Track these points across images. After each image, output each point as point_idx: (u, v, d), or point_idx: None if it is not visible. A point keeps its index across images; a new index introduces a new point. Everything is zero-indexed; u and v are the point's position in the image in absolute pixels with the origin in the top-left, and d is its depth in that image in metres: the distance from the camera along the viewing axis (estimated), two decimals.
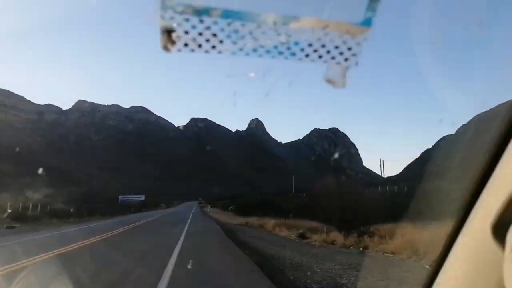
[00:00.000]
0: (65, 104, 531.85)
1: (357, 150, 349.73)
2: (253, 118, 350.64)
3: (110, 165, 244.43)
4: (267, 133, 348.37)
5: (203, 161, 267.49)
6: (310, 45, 0.84)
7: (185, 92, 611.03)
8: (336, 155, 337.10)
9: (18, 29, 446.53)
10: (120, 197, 79.33)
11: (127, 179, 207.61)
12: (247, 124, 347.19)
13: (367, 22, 0.82)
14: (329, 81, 0.87)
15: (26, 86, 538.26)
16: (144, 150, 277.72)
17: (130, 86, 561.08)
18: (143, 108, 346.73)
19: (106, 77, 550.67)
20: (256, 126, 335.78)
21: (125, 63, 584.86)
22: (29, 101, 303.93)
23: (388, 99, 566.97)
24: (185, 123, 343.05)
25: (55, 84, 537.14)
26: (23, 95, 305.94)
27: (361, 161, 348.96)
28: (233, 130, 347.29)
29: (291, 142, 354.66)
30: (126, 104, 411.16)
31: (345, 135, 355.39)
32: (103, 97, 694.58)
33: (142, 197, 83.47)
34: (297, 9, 0.79)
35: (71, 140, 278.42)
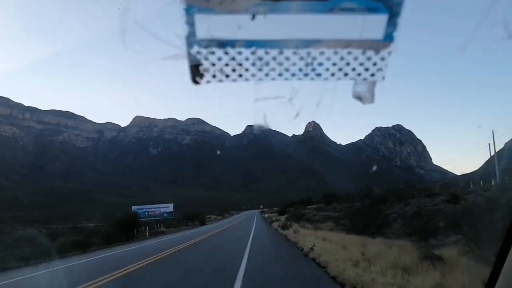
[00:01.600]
0: (123, 121, 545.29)
1: (424, 146, 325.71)
2: (310, 121, 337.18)
3: (167, 177, 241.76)
4: (326, 136, 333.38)
5: (262, 168, 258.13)
6: (334, 64, 0.82)
7: (238, 101, 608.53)
8: (403, 154, 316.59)
9: (74, 50, 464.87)
10: (134, 208, 54.10)
11: (184, 190, 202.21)
12: (303, 127, 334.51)
13: (388, 37, 0.82)
14: (358, 97, 0.86)
15: (86, 106, 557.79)
16: (201, 161, 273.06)
17: (185, 99, 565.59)
18: (199, 119, 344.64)
19: (161, 92, 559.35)
20: (313, 129, 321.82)
21: (178, 77, 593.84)
22: (89, 120, 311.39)
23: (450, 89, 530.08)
24: (240, 132, 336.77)
25: (113, 103, 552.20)
26: (84, 115, 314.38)
27: (430, 158, 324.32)
28: (290, 135, 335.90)
29: (352, 143, 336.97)
30: (182, 117, 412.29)
31: (410, 131, 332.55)
32: (159, 112, 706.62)
33: (169, 208, 59.64)
34: (317, 32, 0.78)
35: (129, 156, 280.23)
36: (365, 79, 0.85)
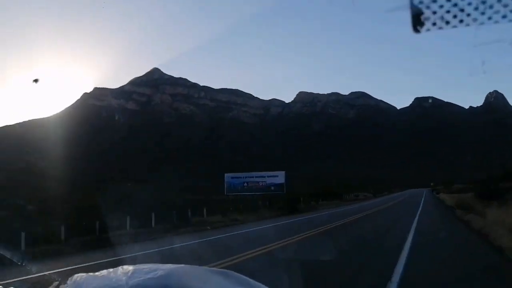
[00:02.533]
0: (288, 97, 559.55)
1: None
2: (491, 91, 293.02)
3: (327, 152, 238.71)
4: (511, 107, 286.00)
5: (432, 144, 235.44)
6: None
7: (407, 72, 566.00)
8: None
9: (241, 28, 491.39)
10: (227, 176, 42.67)
11: (355, 166, 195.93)
12: (483, 98, 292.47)
13: None
14: None
15: (253, 84, 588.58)
16: (364, 136, 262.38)
17: (348, 72, 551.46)
18: (363, 93, 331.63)
19: (324, 67, 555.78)
20: (496, 99, 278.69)
21: (341, 50, 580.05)
22: (256, 97, 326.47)
23: None
24: (407, 104, 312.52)
25: (278, 80, 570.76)
26: (251, 93, 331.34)
27: None
28: (466, 106, 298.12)
29: None
30: (345, 91, 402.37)
31: None
32: (323, 87, 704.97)
33: (279, 178, 41.09)
34: None
35: (293, 131, 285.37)
36: None
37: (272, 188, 40.48)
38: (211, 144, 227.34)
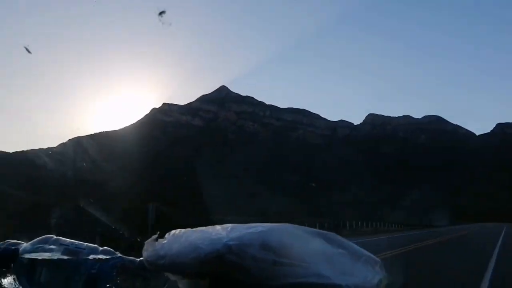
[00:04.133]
0: (356, 119, 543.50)
1: None
2: None
3: (397, 178, 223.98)
4: None
5: None
6: None
7: (487, 96, 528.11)
8: None
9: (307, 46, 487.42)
10: None
11: (410, 194, 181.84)
12: None
13: None
14: None
15: (321, 104, 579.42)
16: (436, 164, 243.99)
17: (422, 95, 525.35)
18: (438, 117, 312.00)
19: (396, 89, 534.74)
20: None
21: (418, 74, 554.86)
22: (323, 118, 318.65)
23: None
24: (488, 131, 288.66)
25: (347, 101, 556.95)
26: (318, 113, 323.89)
27: None
28: None
29: None
30: (418, 114, 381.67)
31: None
32: (394, 109, 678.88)
33: None
34: None
35: (361, 155, 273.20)
36: None
37: None
38: (274, 164, 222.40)
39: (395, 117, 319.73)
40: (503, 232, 40.15)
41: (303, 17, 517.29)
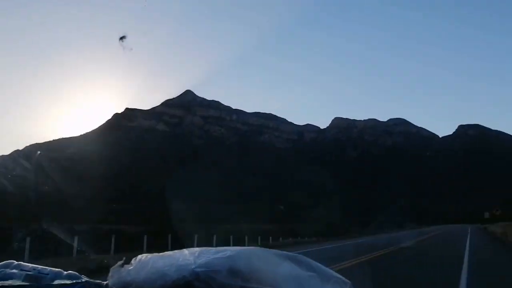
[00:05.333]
0: (323, 123, 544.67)
1: None
2: None
3: (362, 182, 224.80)
4: None
5: (478, 176, 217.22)
6: None
7: (449, 99, 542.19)
8: None
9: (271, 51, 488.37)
10: None
11: (377, 196, 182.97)
12: None
13: None
14: None
15: (287, 109, 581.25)
16: (403, 165, 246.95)
17: (387, 98, 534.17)
18: (402, 120, 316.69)
19: (361, 93, 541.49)
20: None
21: (377, 76, 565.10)
22: (290, 122, 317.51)
23: None
24: (451, 133, 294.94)
25: (313, 105, 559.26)
26: (285, 117, 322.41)
27: None
28: None
29: None
30: (384, 118, 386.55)
31: None
32: (359, 113, 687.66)
33: None
34: None
35: (327, 158, 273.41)
36: None
37: None
38: (239, 168, 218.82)
39: (361, 120, 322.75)
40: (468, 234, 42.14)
41: (265, 21, 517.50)
